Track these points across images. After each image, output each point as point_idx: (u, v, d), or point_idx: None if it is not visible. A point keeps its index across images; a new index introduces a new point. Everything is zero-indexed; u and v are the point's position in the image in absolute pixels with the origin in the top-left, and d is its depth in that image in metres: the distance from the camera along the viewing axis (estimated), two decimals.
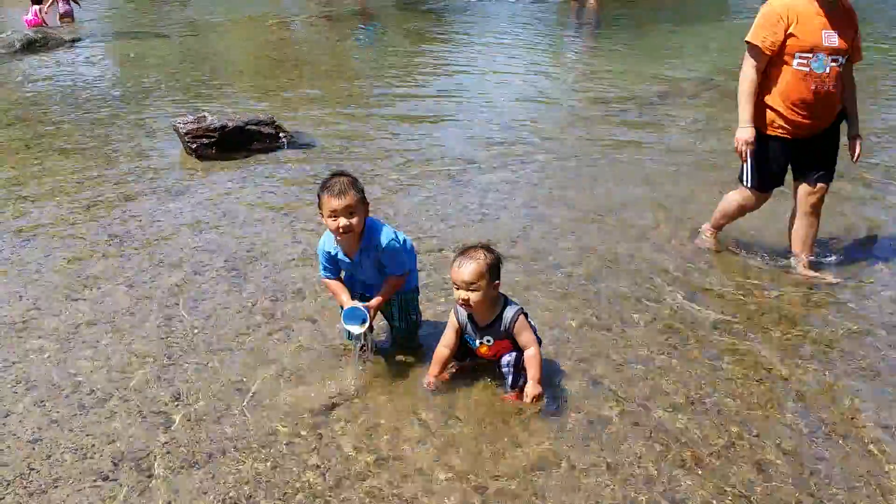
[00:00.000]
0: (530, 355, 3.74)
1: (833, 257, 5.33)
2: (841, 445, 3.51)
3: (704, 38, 15.11)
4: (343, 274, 4.07)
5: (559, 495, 3.20)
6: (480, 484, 3.26)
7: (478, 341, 3.81)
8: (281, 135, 7.86)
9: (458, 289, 3.64)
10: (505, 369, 3.78)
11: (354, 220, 3.71)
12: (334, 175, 3.81)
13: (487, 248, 3.71)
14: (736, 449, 3.49)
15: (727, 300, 4.84)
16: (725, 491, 3.23)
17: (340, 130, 8.44)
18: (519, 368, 3.77)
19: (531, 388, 3.69)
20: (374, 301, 3.90)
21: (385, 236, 3.86)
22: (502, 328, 3.75)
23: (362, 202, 3.77)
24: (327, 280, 4.07)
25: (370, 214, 3.91)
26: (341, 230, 3.71)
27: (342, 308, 3.89)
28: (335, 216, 3.69)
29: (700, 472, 3.33)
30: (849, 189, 6.57)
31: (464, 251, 3.69)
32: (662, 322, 4.56)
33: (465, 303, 3.64)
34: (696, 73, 11.64)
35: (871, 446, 3.50)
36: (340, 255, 3.94)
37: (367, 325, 3.78)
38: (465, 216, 6.10)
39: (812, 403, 3.82)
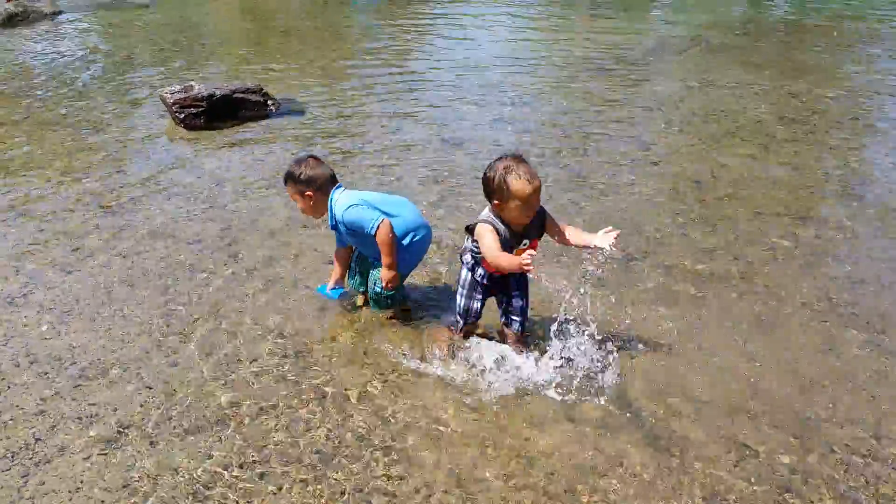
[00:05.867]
0: (572, 228, 3.64)
1: None
2: None
3: None
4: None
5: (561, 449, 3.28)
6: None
7: (515, 251, 3.60)
8: (269, 102, 7.81)
9: (525, 203, 3.40)
10: (518, 317, 3.84)
11: (299, 206, 4.09)
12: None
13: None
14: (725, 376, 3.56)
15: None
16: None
17: (328, 97, 8.38)
18: (526, 314, 3.85)
19: (602, 240, 3.45)
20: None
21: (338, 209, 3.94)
22: (537, 226, 3.61)
23: (295, 192, 4.03)
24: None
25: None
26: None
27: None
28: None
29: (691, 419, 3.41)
30: None
31: (517, 162, 3.42)
32: (658, 268, 4.62)
33: (533, 214, 3.47)
34: (684, 28, 11.56)
35: None
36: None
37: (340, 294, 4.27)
38: (455, 178, 6.10)
39: None
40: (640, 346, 3.92)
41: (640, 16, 12.90)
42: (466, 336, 3.93)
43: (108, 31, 12.16)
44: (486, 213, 3.57)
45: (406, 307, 4.26)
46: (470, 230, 3.66)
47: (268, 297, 4.46)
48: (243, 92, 7.73)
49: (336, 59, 10.29)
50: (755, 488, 3.05)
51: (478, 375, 3.69)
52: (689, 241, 5.06)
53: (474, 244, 3.64)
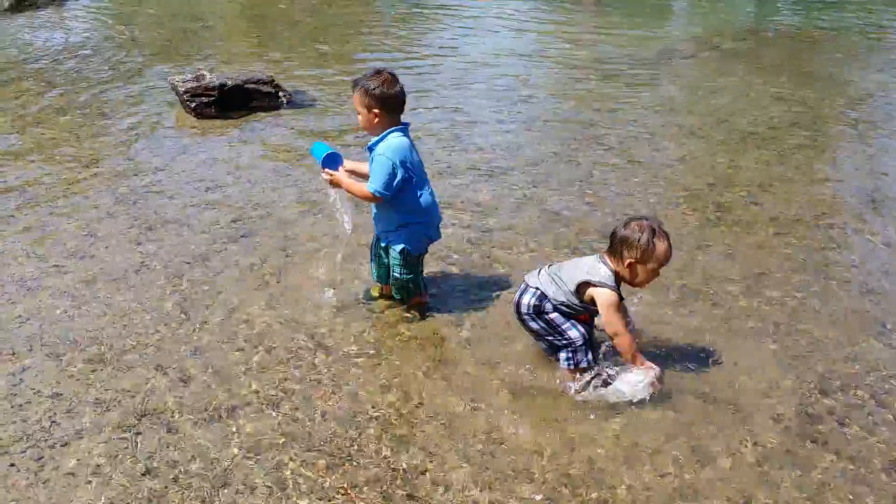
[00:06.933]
0: None
1: None
2: None
3: None
4: None
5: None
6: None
7: None
8: (280, 93, 7.79)
9: (658, 269, 3.46)
10: None
11: (360, 118, 3.87)
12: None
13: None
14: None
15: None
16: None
17: (340, 90, 8.34)
18: None
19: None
20: (341, 173, 3.92)
21: (382, 145, 3.83)
22: None
23: (361, 104, 3.79)
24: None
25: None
26: None
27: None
28: None
29: None
30: None
31: (661, 227, 3.43)
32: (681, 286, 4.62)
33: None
34: (694, 33, 11.56)
35: None
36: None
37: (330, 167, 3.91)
38: (468, 175, 6.08)
39: None
40: (663, 351, 3.91)
41: (650, 20, 12.88)
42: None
43: (116, 17, 12.10)
44: (605, 273, 3.46)
45: (424, 300, 4.27)
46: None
47: (281, 288, 4.45)
48: (255, 83, 7.70)
49: (349, 51, 10.27)
50: (785, 489, 3.06)
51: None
52: (706, 245, 5.05)
53: (572, 300, 3.53)
